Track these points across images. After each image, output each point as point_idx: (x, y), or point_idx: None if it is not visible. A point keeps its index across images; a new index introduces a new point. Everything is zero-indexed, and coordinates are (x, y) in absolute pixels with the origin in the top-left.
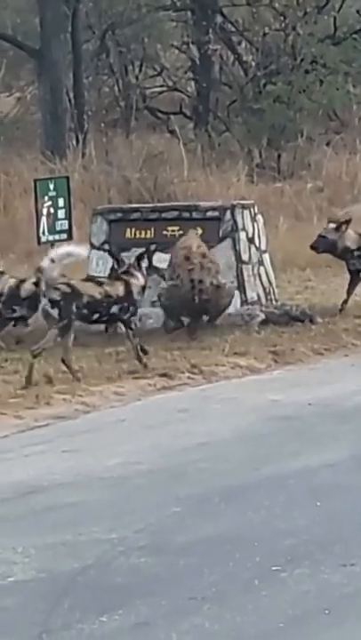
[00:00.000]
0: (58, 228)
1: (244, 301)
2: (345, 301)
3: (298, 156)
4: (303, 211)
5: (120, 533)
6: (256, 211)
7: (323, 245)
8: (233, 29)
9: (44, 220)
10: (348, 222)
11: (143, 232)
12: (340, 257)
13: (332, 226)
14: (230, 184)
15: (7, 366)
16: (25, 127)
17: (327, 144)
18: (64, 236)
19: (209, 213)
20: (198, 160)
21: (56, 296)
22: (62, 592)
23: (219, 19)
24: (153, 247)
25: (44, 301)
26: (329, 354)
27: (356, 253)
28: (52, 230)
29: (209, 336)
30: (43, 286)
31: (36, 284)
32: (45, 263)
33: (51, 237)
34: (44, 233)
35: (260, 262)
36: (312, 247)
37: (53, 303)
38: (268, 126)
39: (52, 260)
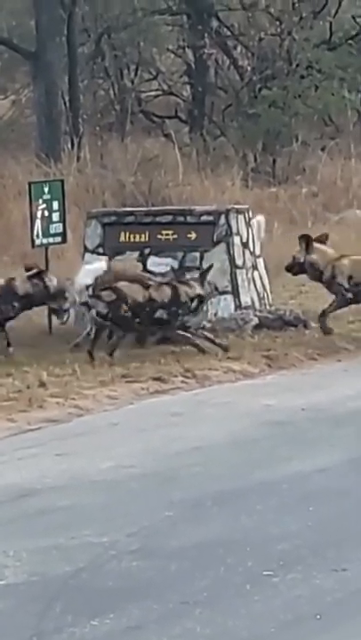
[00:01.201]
0: (52, 231)
1: (238, 306)
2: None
3: (293, 160)
4: (298, 215)
5: (112, 537)
6: (250, 215)
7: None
8: (229, 34)
9: (38, 222)
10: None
11: (137, 236)
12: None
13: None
14: (225, 188)
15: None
16: (20, 130)
17: (322, 149)
18: (58, 239)
19: (203, 217)
20: (193, 164)
21: (102, 308)
22: (54, 595)
23: (214, 23)
24: (147, 251)
25: (92, 313)
26: (322, 359)
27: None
28: (46, 233)
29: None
30: (80, 299)
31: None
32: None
33: (45, 240)
34: (38, 236)
35: (255, 267)
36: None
37: (99, 314)
38: (264, 131)
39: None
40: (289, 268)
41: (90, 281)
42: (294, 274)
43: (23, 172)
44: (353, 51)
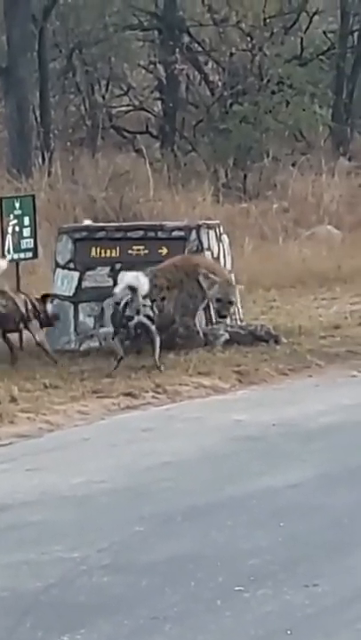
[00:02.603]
0: (23, 247)
1: (209, 321)
2: None
3: (264, 176)
4: (269, 231)
5: (83, 552)
6: (221, 230)
7: None
8: (200, 49)
9: (9, 238)
10: None
11: (108, 251)
12: None
13: None
14: (196, 204)
15: None
16: None
17: (293, 165)
18: (29, 254)
19: (174, 233)
20: (164, 179)
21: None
22: (25, 611)
23: (186, 38)
24: (118, 266)
25: (138, 319)
26: (293, 374)
27: None
28: (17, 249)
29: (173, 356)
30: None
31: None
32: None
33: (16, 256)
34: (9, 251)
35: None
36: None
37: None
38: (235, 146)
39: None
40: None
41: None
42: None
43: None
44: (324, 66)
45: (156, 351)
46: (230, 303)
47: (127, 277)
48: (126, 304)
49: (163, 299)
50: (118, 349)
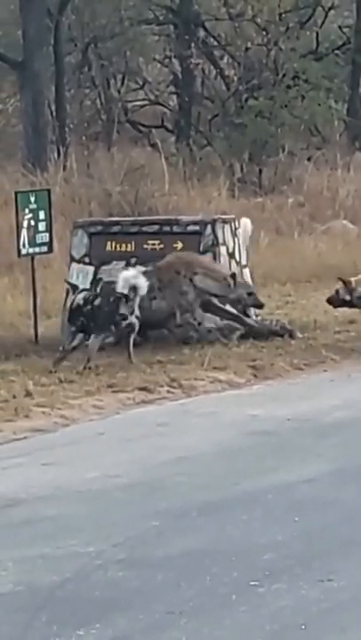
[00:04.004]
0: (38, 241)
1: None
2: None
3: (279, 170)
4: (284, 225)
5: (98, 547)
6: (237, 225)
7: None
8: (215, 44)
9: (24, 232)
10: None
11: (124, 245)
12: None
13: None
14: (211, 198)
15: None
16: (6, 139)
17: (308, 159)
18: (44, 248)
19: (190, 227)
20: (179, 174)
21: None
22: (40, 605)
23: (201, 33)
24: (133, 260)
25: (131, 319)
26: (308, 369)
27: None
28: (32, 243)
29: (188, 350)
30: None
31: None
32: (135, 281)
33: (31, 250)
34: (24, 245)
35: (241, 277)
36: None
37: None
38: (250, 141)
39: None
40: (330, 302)
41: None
42: (335, 307)
43: (9, 181)
44: (339, 61)
45: (131, 347)
46: (251, 294)
47: (128, 275)
48: (119, 301)
49: (153, 298)
50: (93, 349)
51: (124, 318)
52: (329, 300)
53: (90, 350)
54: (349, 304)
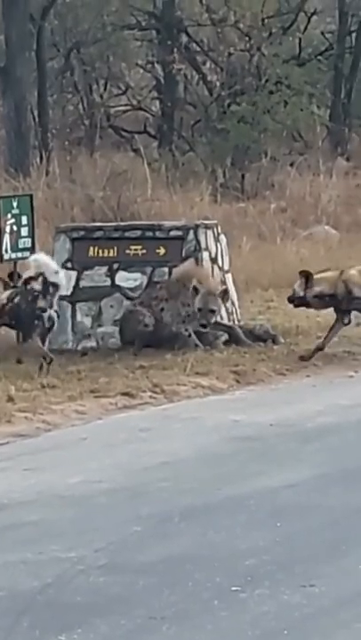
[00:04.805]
0: (21, 246)
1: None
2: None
3: (262, 176)
4: (267, 231)
5: (80, 552)
6: (219, 230)
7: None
8: (198, 49)
9: (6, 237)
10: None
11: (106, 251)
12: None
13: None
14: (194, 204)
15: None
16: None
17: (291, 165)
18: (27, 253)
19: (172, 233)
20: (162, 179)
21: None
22: (22, 610)
23: (184, 38)
24: (116, 266)
25: (50, 313)
26: (291, 374)
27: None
28: (14, 248)
29: (170, 356)
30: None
31: None
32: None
33: (14, 255)
34: (6, 251)
35: (223, 282)
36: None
37: None
38: (233, 146)
39: None
40: (290, 300)
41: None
42: (295, 306)
43: None
44: (322, 66)
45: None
46: (211, 312)
47: (39, 258)
48: (37, 297)
49: (161, 310)
50: (38, 348)
51: (44, 311)
52: (289, 299)
53: (36, 350)
54: (306, 303)
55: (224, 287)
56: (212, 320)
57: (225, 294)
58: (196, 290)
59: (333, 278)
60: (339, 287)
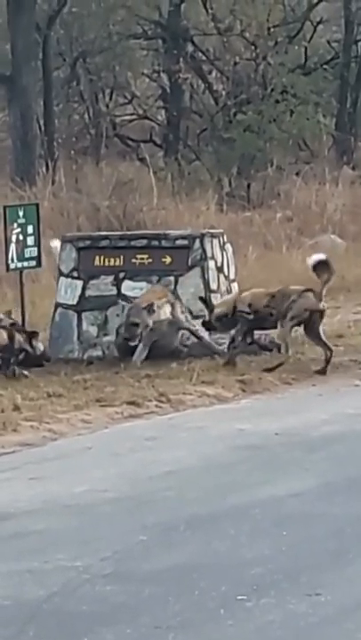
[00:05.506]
0: (27, 255)
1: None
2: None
3: (267, 185)
4: (272, 240)
5: (86, 561)
6: (225, 239)
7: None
8: (204, 58)
9: (12, 246)
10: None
11: (112, 260)
12: None
13: None
14: (200, 213)
15: None
16: None
17: (297, 174)
18: (33, 263)
19: (178, 242)
20: (168, 188)
21: None
22: (27, 619)
23: (190, 47)
24: (122, 275)
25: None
26: (297, 383)
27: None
28: (20, 257)
29: (176, 365)
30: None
31: None
32: None
33: (20, 264)
34: (12, 260)
35: (229, 291)
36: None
37: None
38: (238, 155)
39: None
40: (203, 325)
41: None
42: (207, 330)
43: None
44: (328, 75)
45: None
46: (134, 325)
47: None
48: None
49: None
50: None
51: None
52: (203, 324)
53: None
54: (212, 326)
55: (152, 302)
56: (136, 333)
57: (150, 307)
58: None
59: (230, 300)
60: (230, 307)
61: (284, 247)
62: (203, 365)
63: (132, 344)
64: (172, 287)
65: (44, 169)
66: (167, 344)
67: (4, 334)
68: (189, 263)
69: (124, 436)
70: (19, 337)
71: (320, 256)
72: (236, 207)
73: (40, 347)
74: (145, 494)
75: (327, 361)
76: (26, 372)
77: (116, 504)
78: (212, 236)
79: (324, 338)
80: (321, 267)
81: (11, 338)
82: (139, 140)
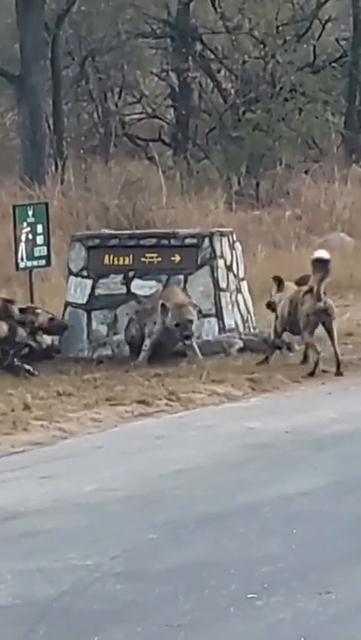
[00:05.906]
0: (36, 254)
1: (222, 329)
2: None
3: (276, 183)
4: (281, 238)
5: (96, 560)
6: (234, 238)
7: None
8: (212, 57)
9: (22, 245)
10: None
11: (122, 259)
12: None
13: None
14: (209, 211)
15: None
16: (4, 153)
17: (306, 172)
18: (42, 262)
19: (187, 240)
20: (177, 187)
21: None
22: (38, 618)
23: (198, 46)
24: (131, 274)
25: None
26: (306, 382)
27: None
28: (30, 256)
29: (186, 364)
30: None
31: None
32: None
33: (29, 263)
34: (22, 259)
35: (238, 290)
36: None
37: None
38: (247, 154)
39: None
40: (267, 306)
41: None
42: (272, 311)
43: (7, 194)
44: (337, 74)
45: None
46: (190, 322)
47: None
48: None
49: (144, 325)
50: None
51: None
52: (267, 305)
53: None
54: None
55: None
56: (193, 329)
57: (195, 306)
58: (164, 306)
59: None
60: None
61: (293, 246)
62: (212, 364)
63: (188, 343)
64: (182, 286)
65: (53, 168)
66: (171, 344)
67: (4, 326)
68: (199, 262)
69: (134, 435)
70: (21, 331)
71: (323, 254)
72: (245, 206)
73: (47, 340)
74: (155, 493)
75: (316, 363)
76: (28, 367)
77: (126, 503)
78: (222, 234)
79: (333, 339)
80: (319, 264)
81: (12, 330)
82: (148, 139)
